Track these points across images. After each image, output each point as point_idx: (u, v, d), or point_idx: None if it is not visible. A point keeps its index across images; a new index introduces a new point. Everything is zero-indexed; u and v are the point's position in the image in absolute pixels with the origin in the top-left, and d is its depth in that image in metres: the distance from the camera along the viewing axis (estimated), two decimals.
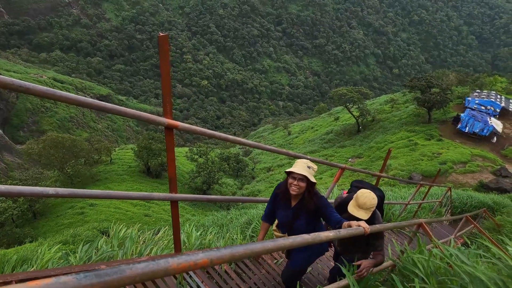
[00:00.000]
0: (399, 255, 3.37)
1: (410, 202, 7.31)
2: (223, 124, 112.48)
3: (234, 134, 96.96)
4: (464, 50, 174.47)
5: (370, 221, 2.92)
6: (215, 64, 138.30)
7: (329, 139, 48.11)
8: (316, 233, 1.75)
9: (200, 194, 32.06)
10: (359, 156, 37.78)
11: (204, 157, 38.09)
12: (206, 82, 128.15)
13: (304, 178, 2.76)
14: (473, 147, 32.69)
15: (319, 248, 3.17)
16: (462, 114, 37.59)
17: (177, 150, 47.63)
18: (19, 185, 23.05)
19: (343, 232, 2.02)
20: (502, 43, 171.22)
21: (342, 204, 3.34)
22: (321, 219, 3.05)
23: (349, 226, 2.41)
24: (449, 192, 11.12)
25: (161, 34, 2.04)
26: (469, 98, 42.57)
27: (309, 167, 2.79)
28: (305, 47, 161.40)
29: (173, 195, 2.60)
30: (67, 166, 30.61)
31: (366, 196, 2.87)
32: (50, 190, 1.83)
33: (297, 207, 2.94)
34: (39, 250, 4.20)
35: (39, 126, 58.55)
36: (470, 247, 4.41)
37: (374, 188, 3.42)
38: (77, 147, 32.54)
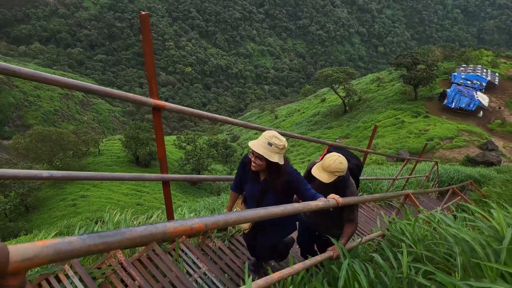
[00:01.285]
0: (387, 225, 3.49)
1: (398, 177, 7.48)
2: (209, 111, 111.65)
3: None
4: (449, 24, 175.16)
5: (340, 190, 2.67)
6: (198, 50, 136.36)
7: (316, 121, 48.33)
8: (289, 204, 1.65)
9: (190, 182, 32.09)
10: (346, 137, 38.13)
11: (192, 144, 37.95)
12: (190, 69, 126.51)
13: (262, 157, 2.36)
14: (460, 123, 33.29)
15: (288, 226, 2.93)
16: (448, 90, 38.05)
17: (165, 138, 47.26)
18: (7, 181, 22.78)
19: (313, 204, 1.86)
20: (487, 15, 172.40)
21: None
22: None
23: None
24: (436, 167, 11.38)
25: (142, 13, 2.04)
26: (455, 73, 42.99)
27: (270, 144, 2.33)
28: (288, 29, 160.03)
29: (165, 175, 2.64)
30: (56, 159, 30.23)
31: (333, 159, 2.62)
32: (45, 173, 1.85)
33: (266, 182, 2.59)
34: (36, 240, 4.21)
35: (24, 120, 57.37)
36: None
37: (352, 157, 3.21)
38: (64, 140, 32.09)
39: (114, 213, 4.48)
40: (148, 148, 34.27)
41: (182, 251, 2.97)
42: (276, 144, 2.35)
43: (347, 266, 2.34)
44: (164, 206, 2.80)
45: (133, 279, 2.40)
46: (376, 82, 53.55)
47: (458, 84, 39.63)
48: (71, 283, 2.20)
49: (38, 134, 31.16)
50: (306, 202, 1.84)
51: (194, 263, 2.92)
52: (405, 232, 3.05)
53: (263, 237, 2.92)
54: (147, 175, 2.56)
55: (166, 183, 2.70)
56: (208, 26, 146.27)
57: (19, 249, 0.68)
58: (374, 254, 2.58)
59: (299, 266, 2.25)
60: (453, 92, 37.34)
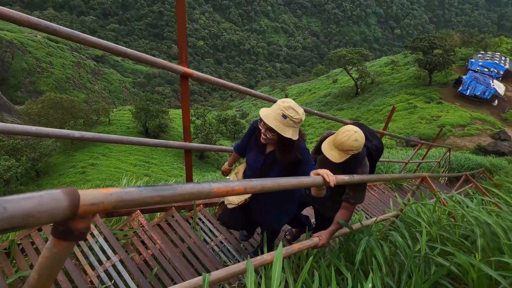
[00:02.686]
0: (401, 207, 3.50)
1: (410, 161, 7.45)
2: (219, 87, 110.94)
3: (231, 96, 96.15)
4: (469, 9, 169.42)
5: (349, 169, 2.35)
6: (211, 24, 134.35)
7: (326, 101, 47.88)
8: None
9: (197, 156, 32.40)
10: (356, 119, 37.80)
11: (201, 118, 38.04)
12: (202, 43, 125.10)
13: (274, 130, 2.05)
14: (473, 110, 32.72)
15: (289, 207, 2.62)
16: (464, 77, 37.21)
17: (174, 112, 47.44)
18: (21, 144, 23.22)
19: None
20: (510, 1, 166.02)
21: None
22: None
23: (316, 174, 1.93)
24: (447, 153, 11.29)
25: None
26: (472, 60, 41.89)
27: (284, 116, 1.99)
28: (304, 6, 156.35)
29: (187, 144, 2.66)
30: (67, 126, 30.57)
31: (347, 135, 2.20)
32: (76, 133, 1.88)
33: (272, 156, 2.28)
34: None
35: (36, 86, 57.71)
36: None
37: (373, 136, 2.74)
38: (75, 108, 32.37)
39: (126, 180, 4.55)
40: (157, 120, 34.42)
41: (200, 219, 3.03)
42: (292, 116, 1.99)
43: (365, 242, 2.37)
44: (180, 177, 2.83)
45: (154, 243, 2.46)
46: (391, 65, 52.52)
47: (475, 71, 38.69)
48: (96, 242, 2.27)
49: (50, 101, 31.44)
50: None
51: (211, 231, 2.98)
52: (421, 214, 3.08)
53: (263, 217, 2.59)
54: (171, 142, 2.58)
55: (188, 152, 2.72)
56: (222, 0, 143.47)
57: (88, 194, 0.70)
58: (392, 232, 2.60)
59: (317, 239, 2.28)
60: (469, 79, 36.51)
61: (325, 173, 1.74)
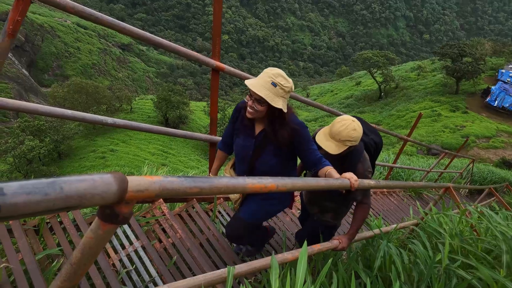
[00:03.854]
0: (422, 216, 3.45)
1: (432, 170, 7.30)
2: (241, 81, 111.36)
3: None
4: (504, 18, 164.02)
5: (349, 164, 2.18)
6: (237, 19, 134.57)
7: (348, 103, 47.35)
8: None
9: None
10: (378, 124, 37.23)
11: (221, 112, 38.23)
12: (227, 37, 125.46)
13: (263, 100, 1.81)
14: (500, 122, 31.74)
15: (279, 199, 2.28)
16: (493, 87, 36.09)
17: (195, 104, 47.88)
18: (46, 125, 23.94)
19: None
20: None
21: None
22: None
23: (329, 175, 1.86)
24: (471, 165, 11.01)
25: None
26: (503, 71, 40.53)
27: (274, 84, 1.78)
28: (332, 5, 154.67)
29: (213, 137, 2.69)
30: (90, 111, 31.29)
31: (344, 124, 2.04)
32: (109, 119, 1.92)
33: (263, 136, 2.01)
34: None
35: (63, 70, 59.24)
36: None
37: (371, 130, 2.56)
38: (99, 94, 33.09)
39: (146, 169, 4.63)
40: (178, 111, 34.81)
41: (219, 212, 3.06)
42: (282, 85, 1.79)
43: (384, 248, 2.35)
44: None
45: (175, 232, 2.51)
46: (417, 70, 51.41)
47: (505, 82, 37.45)
48: (120, 227, 2.32)
49: (76, 86, 32.24)
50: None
51: None
52: (443, 224, 3.02)
53: (243, 209, 2.27)
54: (196, 134, 2.61)
55: (213, 144, 2.75)
56: None
57: (135, 180, 0.72)
58: (414, 241, 2.56)
59: (337, 242, 2.27)
60: (498, 90, 35.38)
61: (351, 177, 1.71)
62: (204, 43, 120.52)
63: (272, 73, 1.80)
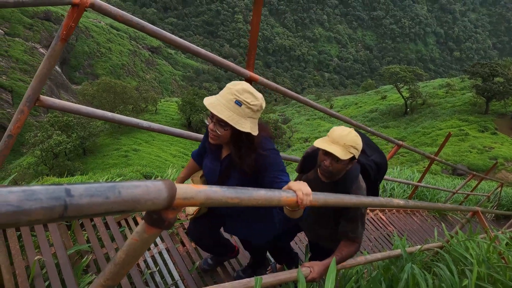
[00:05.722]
0: (448, 239, 3.35)
1: (458, 191, 7.10)
2: (264, 89, 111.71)
3: (275, 100, 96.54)
4: None
5: (338, 189, 1.88)
6: (265, 27, 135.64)
7: (372, 117, 46.67)
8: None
9: None
10: (402, 139, 36.44)
11: None
12: (249, 41, 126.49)
13: (225, 123, 1.49)
14: None
15: (266, 224, 1.97)
16: None
17: None
18: (74, 121, 24.72)
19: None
20: None
21: (314, 155, 2.08)
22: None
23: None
24: (499, 189, 10.63)
25: None
26: None
27: (239, 103, 1.47)
28: (361, 18, 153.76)
29: None
30: (116, 110, 32.12)
31: (346, 130, 1.84)
32: (144, 123, 1.98)
33: (229, 161, 1.73)
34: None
35: (94, 69, 61.20)
36: None
37: (374, 149, 2.27)
38: (127, 94, 33.97)
39: (170, 171, 4.71)
40: (201, 115, 35.25)
41: None
42: (248, 103, 1.47)
43: (409, 269, 2.30)
44: None
45: None
46: (445, 88, 50.21)
47: None
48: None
49: (105, 85, 33.24)
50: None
51: None
52: (470, 250, 2.93)
53: (235, 231, 2.10)
54: None
55: None
56: (279, 5, 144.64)
57: (182, 188, 0.75)
58: (439, 264, 2.50)
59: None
60: None
61: (299, 188, 1.16)
62: (231, 50, 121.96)
63: (235, 89, 1.49)
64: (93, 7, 1.40)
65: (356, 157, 1.84)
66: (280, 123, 49.05)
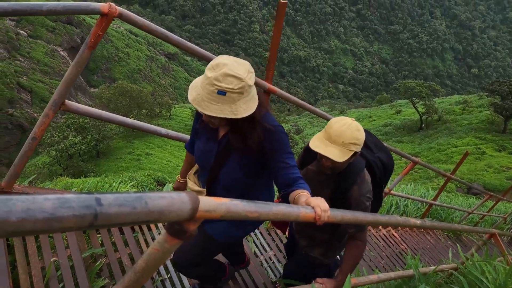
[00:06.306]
0: (463, 260, 3.27)
1: (473, 212, 6.94)
2: (278, 99, 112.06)
3: (288, 110, 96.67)
4: None
5: (340, 185, 1.80)
6: (281, 38, 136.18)
7: (386, 131, 46.24)
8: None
9: None
10: (416, 155, 35.97)
11: None
12: (269, 54, 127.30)
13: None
14: None
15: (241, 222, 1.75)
16: None
17: None
18: (89, 123, 25.15)
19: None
20: None
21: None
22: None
23: (297, 201, 1.36)
24: None
25: (282, 1, 2.08)
26: None
27: (222, 93, 1.29)
28: (377, 32, 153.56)
29: None
30: (131, 114, 32.59)
31: (345, 123, 1.65)
32: (163, 130, 2.01)
33: (228, 141, 1.53)
34: (113, 184, 4.61)
35: (111, 73, 62.32)
36: None
37: (379, 147, 2.11)
38: (142, 98, 34.44)
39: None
40: None
41: (254, 233, 3.07)
42: (232, 89, 1.28)
43: None
44: None
45: None
46: (462, 104, 49.47)
47: None
48: (159, 234, 2.39)
49: (122, 89, 33.80)
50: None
51: (262, 245, 3.01)
52: (486, 273, 2.85)
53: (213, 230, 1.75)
54: None
55: None
56: (296, 16, 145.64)
57: (205, 201, 0.76)
58: (454, 287, 2.44)
59: (375, 277, 2.20)
60: None
61: (317, 205, 1.16)
62: (247, 59, 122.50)
63: (214, 77, 1.28)
64: (121, 17, 1.43)
65: (358, 151, 1.68)
66: (293, 133, 49.01)
